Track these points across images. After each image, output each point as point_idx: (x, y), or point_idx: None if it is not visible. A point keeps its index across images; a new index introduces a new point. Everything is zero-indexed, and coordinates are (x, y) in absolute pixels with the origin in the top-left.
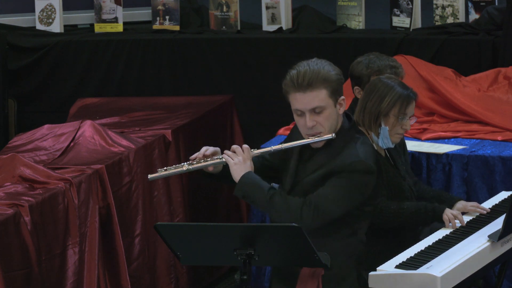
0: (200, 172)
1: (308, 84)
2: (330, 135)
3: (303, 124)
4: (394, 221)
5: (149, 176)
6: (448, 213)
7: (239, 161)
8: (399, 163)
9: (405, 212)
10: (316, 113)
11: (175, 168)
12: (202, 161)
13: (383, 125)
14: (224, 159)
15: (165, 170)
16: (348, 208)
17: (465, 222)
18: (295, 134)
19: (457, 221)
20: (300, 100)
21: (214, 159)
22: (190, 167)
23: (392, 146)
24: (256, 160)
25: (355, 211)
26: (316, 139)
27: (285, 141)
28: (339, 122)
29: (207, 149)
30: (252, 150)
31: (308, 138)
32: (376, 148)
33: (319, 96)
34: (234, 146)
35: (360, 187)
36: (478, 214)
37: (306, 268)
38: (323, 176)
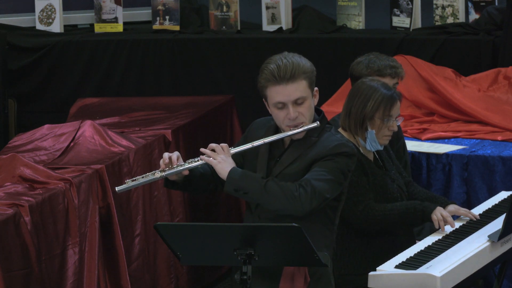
0: (163, 181)
1: (291, 76)
2: (315, 123)
3: (284, 117)
4: (381, 223)
5: (117, 188)
6: (437, 213)
7: (222, 159)
8: (388, 163)
9: (393, 213)
10: (297, 104)
11: (144, 177)
12: (176, 166)
13: (369, 129)
14: (203, 160)
15: (134, 180)
16: (337, 190)
17: (464, 223)
18: (257, 133)
19: (447, 226)
20: (282, 92)
21: (189, 161)
22: (163, 173)
23: (381, 148)
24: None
25: (333, 202)
26: (301, 129)
27: (242, 142)
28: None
29: (170, 155)
30: (230, 148)
31: (290, 129)
32: (362, 151)
33: (300, 88)
34: (213, 145)
35: (344, 171)
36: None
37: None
38: (306, 165)
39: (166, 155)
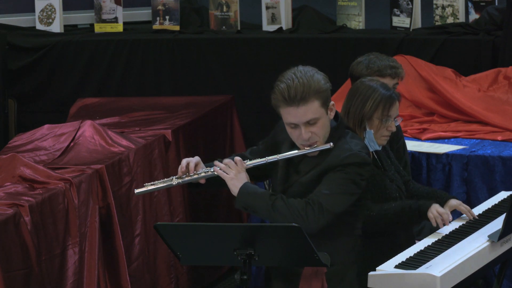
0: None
1: (301, 98)
2: (329, 144)
3: (297, 136)
4: (378, 223)
5: (136, 190)
6: (433, 210)
7: (234, 175)
8: (387, 164)
9: (389, 213)
10: (310, 124)
11: (163, 183)
12: (193, 174)
13: (367, 129)
14: (217, 173)
15: (152, 184)
16: (349, 202)
17: (464, 223)
18: (281, 135)
19: (446, 226)
20: (293, 114)
21: (205, 171)
22: (180, 180)
23: (379, 148)
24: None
25: (351, 207)
26: (315, 149)
27: (270, 142)
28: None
29: (188, 161)
30: (244, 161)
31: (304, 148)
32: None
33: (312, 109)
34: (226, 160)
35: (356, 180)
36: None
37: (309, 267)
38: (318, 174)
39: (184, 162)
